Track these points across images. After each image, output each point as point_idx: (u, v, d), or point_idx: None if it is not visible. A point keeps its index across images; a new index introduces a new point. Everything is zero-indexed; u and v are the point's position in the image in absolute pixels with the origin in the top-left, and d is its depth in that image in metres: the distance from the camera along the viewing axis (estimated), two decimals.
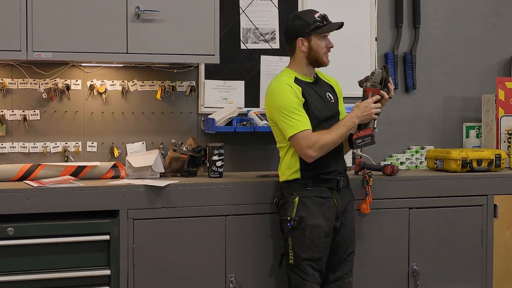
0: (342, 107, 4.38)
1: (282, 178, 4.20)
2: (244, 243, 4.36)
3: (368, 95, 4.13)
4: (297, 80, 4.14)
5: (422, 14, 5.42)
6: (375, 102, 4.12)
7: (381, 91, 4.14)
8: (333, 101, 4.26)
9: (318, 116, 4.12)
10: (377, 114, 4.13)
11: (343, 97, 4.44)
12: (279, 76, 4.19)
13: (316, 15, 4.15)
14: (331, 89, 4.30)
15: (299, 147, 4.04)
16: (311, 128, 4.04)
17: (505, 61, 5.65)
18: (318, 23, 4.13)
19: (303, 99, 4.09)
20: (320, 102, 4.17)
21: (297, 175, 4.12)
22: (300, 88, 4.10)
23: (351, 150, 4.94)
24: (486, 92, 5.46)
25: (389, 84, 4.17)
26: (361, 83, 4.20)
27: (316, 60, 4.17)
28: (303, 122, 4.03)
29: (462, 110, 5.55)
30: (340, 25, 4.21)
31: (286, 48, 4.26)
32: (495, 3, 5.62)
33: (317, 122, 4.11)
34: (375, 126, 5.21)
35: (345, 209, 4.21)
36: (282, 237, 4.21)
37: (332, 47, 4.19)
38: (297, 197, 4.10)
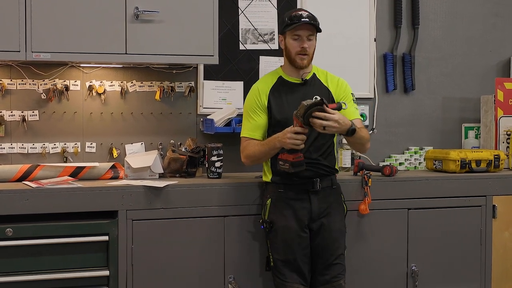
0: (350, 107, 4.23)
1: (263, 179, 4.30)
2: (243, 243, 4.36)
3: (294, 123, 3.91)
4: (279, 81, 4.19)
5: (421, 15, 5.42)
6: (298, 133, 3.88)
7: (303, 126, 3.87)
8: None
9: (279, 120, 4.12)
10: (295, 144, 3.89)
11: None
12: (263, 76, 4.33)
13: (293, 13, 4.14)
14: (326, 93, 4.20)
15: None
16: (249, 136, 4.16)
17: (504, 61, 5.65)
18: (288, 21, 4.11)
19: (266, 104, 4.14)
20: (292, 105, 4.05)
21: (268, 179, 4.20)
22: (268, 92, 4.15)
23: (350, 150, 4.96)
24: (485, 92, 5.46)
25: (312, 119, 3.82)
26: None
27: (290, 59, 4.18)
28: (245, 129, 4.20)
29: (461, 110, 5.55)
30: (307, 23, 4.08)
31: None
32: (494, 4, 5.62)
33: (281, 126, 4.06)
34: (374, 127, 5.25)
35: (325, 211, 4.15)
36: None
37: (303, 47, 4.11)
38: (269, 199, 4.15)
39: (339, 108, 3.91)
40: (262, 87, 4.19)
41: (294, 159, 3.94)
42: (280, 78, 4.20)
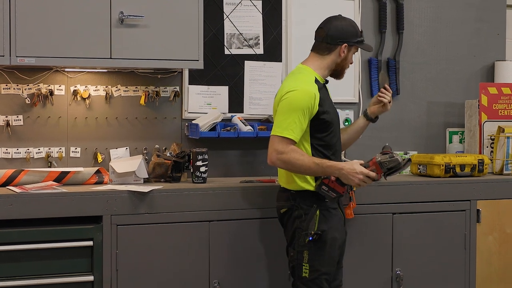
0: None
1: (292, 187, 4.01)
2: (227, 248, 4.36)
3: (369, 165, 3.88)
4: (316, 82, 3.99)
5: (405, 20, 5.44)
6: (370, 177, 3.86)
7: (383, 175, 3.92)
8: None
9: (328, 120, 3.98)
10: (361, 186, 3.92)
11: None
12: (304, 78, 3.98)
13: (359, 29, 4.13)
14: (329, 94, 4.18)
15: (270, 145, 3.87)
16: (295, 140, 3.85)
17: (488, 66, 5.67)
18: (362, 38, 4.09)
19: (318, 108, 3.91)
20: (332, 107, 4.06)
21: (311, 187, 3.98)
22: (319, 97, 3.92)
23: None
24: (469, 97, 5.48)
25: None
26: (382, 149, 4.02)
27: (341, 70, 4.09)
28: (293, 130, 3.84)
29: (445, 115, 5.57)
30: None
31: (319, 44, 4.06)
32: (478, 9, 5.65)
33: (328, 125, 3.99)
34: None
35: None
36: (288, 248, 4.08)
37: (352, 63, 4.15)
38: (318, 210, 3.95)
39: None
40: (317, 93, 3.91)
41: (344, 192, 3.93)
42: (316, 79, 4.01)
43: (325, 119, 3.96)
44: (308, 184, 3.98)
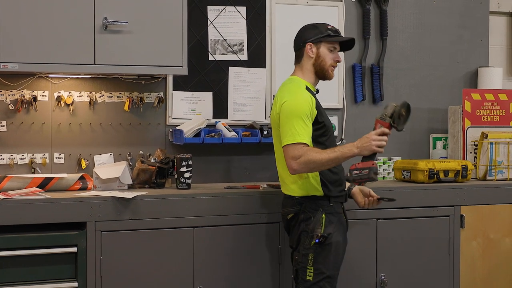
0: None
1: (298, 193, 4.04)
2: (212, 254, 4.35)
3: (375, 127, 3.94)
4: (307, 89, 4.03)
5: (389, 26, 5.45)
6: (382, 135, 3.89)
7: (391, 126, 3.92)
8: None
9: (329, 126, 4.07)
10: (380, 147, 3.90)
11: None
12: (295, 87, 4.03)
13: (329, 26, 4.12)
14: None
15: (286, 156, 3.89)
16: (307, 143, 3.88)
17: (471, 72, 5.70)
18: (330, 32, 4.08)
19: (316, 111, 3.98)
20: (326, 115, 4.09)
21: (320, 192, 4.01)
22: (315, 100, 4.00)
23: None
24: (452, 103, 5.50)
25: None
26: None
27: (321, 69, 4.07)
28: (302, 135, 3.87)
29: (429, 121, 5.59)
30: (349, 39, 4.19)
31: (294, 57, 4.16)
32: (461, 16, 5.68)
33: (330, 133, 4.07)
34: (342, 137, 5.28)
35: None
36: (293, 252, 4.10)
37: (339, 61, 4.13)
38: (324, 213, 3.98)
39: None
40: (311, 97, 4.00)
41: (374, 164, 3.91)
42: (306, 87, 4.05)
43: (324, 122, 4.02)
44: (315, 189, 4.01)
